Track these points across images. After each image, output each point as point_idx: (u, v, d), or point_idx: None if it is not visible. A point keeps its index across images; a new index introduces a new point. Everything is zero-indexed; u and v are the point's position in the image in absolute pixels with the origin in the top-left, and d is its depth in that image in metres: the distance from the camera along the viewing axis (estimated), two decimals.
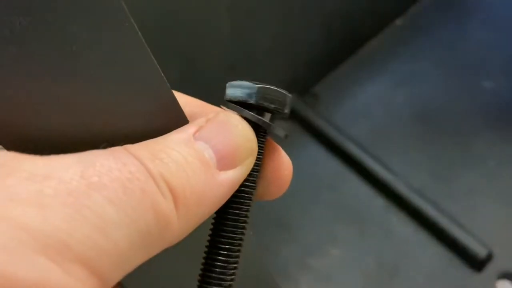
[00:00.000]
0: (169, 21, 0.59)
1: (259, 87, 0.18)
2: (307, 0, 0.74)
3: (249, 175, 0.18)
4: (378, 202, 0.70)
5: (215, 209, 0.17)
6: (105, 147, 0.15)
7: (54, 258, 0.12)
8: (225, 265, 0.18)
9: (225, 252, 0.18)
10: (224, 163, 0.17)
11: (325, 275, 0.66)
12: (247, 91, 0.19)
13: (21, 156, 0.14)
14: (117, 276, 0.14)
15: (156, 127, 0.17)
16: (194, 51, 0.64)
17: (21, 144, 0.15)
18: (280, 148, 0.20)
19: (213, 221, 0.19)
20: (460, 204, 0.69)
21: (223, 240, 0.18)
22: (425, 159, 0.73)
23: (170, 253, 0.16)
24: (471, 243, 0.65)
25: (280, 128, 0.19)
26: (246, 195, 0.18)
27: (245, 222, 0.19)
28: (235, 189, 0.18)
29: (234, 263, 0.18)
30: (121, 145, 0.15)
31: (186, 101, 0.19)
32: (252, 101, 0.18)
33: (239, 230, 0.18)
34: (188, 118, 0.18)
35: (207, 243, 0.18)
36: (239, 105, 0.19)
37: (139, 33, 0.16)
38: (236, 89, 0.19)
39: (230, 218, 0.18)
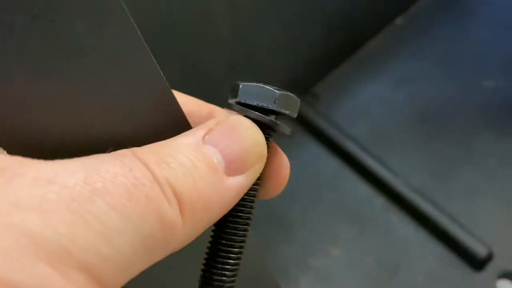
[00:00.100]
0: (169, 21, 0.59)
1: (280, 94, 0.18)
2: (307, 0, 0.74)
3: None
4: (378, 201, 0.70)
5: (222, 214, 0.17)
6: (111, 151, 0.15)
7: (55, 264, 0.12)
8: (226, 266, 0.18)
9: (226, 254, 0.18)
10: (233, 168, 0.17)
11: (325, 275, 0.66)
12: (267, 96, 0.18)
13: (25, 160, 0.14)
14: (120, 282, 0.14)
15: (157, 127, 0.17)
16: (194, 51, 0.64)
17: (25, 148, 0.15)
18: (279, 148, 0.20)
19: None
20: (460, 203, 0.69)
21: (225, 242, 0.18)
22: (425, 158, 0.73)
23: (171, 254, 0.16)
24: (471, 242, 0.65)
25: (286, 126, 0.19)
26: (250, 197, 0.18)
27: (247, 224, 0.18)
28: (243, 194, 0.17)
29: (235, 264, 0.18)
30: (128, 147, 0.15)
31: (184, 100, 0.19)
32: (273, 108, 0.18)
33: (241, 232, 0.18)
34: (187, 117, 0.18)
35: (209, 245, 0.18)
36: (250, 108, 0.18)
37: (139, 33, 0.16)
38: (253, 93, 0.18)
39: (232, 220, 0.18)
